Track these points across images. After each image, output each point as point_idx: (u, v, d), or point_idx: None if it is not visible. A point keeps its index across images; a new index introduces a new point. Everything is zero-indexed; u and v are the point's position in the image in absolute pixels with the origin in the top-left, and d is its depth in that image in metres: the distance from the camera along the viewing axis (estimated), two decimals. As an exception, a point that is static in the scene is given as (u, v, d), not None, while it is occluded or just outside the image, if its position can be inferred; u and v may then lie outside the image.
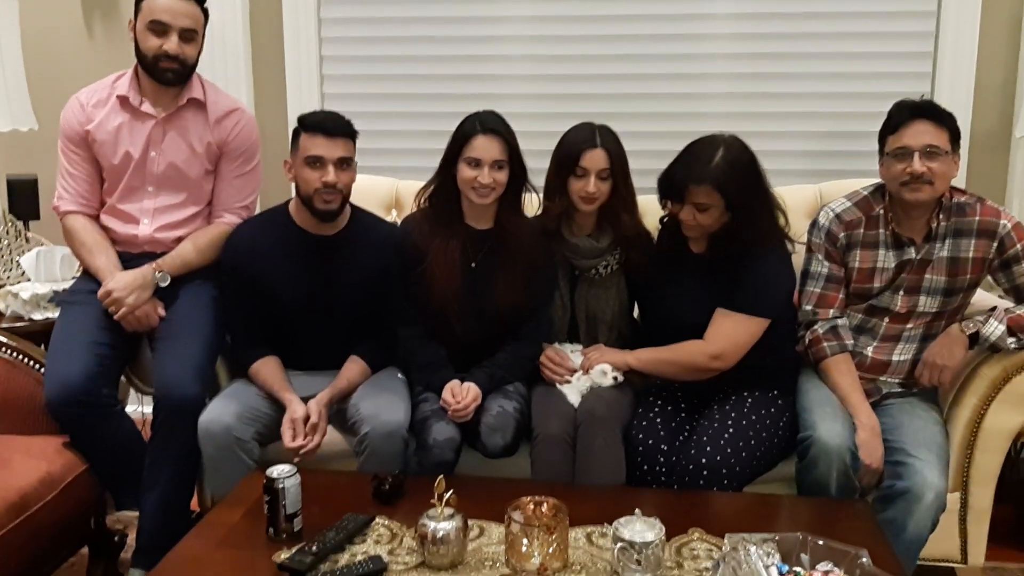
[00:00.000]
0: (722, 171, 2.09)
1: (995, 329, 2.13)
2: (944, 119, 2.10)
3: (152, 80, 2.37)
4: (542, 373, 2.31)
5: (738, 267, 2.16)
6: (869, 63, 3.01)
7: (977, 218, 2.15)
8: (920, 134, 2.08)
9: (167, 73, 2.35)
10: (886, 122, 2.16)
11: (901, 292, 2.20)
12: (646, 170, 2.28)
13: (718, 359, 2.17)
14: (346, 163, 2.25)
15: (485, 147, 2.20)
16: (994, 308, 2.19)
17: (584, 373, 2.27)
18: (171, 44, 2.32)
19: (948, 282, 2.18)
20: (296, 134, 2.27)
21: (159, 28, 2.31)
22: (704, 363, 2.19)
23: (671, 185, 2.17)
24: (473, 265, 2.30)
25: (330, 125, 2.23)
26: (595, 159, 2.23)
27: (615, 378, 2.24)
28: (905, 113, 2.12)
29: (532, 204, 2.38)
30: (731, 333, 2.17)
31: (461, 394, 2.18)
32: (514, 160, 2.24)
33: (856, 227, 2.21)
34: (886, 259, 2.19)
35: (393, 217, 2.74)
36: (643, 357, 2.28)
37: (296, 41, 3.19)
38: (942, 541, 2.14)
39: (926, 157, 2.07)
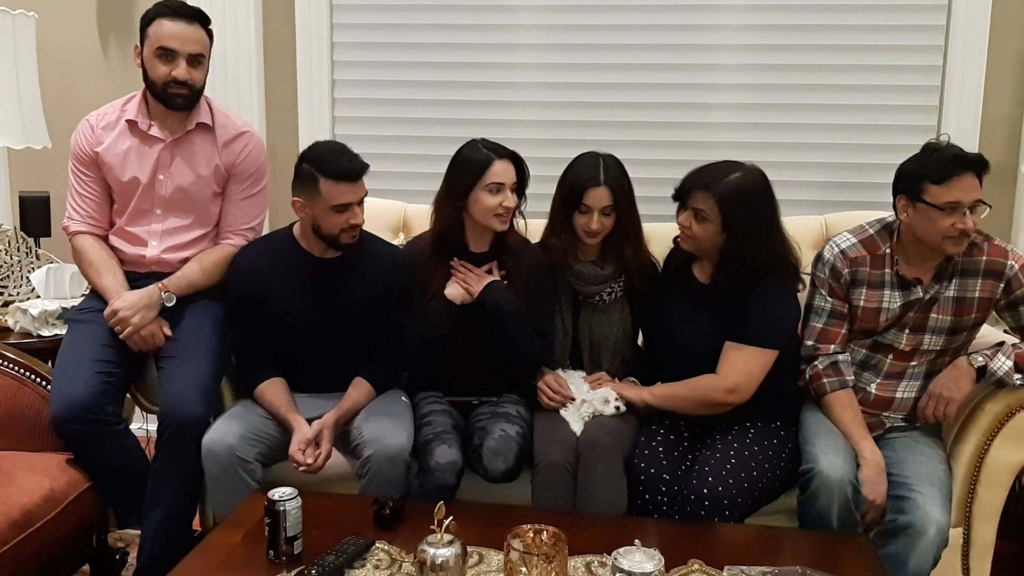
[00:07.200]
0: (729, 188, 2.11)
1: (1002, 364, 2.12)
2: (985, 169, 2.05)
3: (161, 105, 2.40)
4: (539, 399, 2.31)
5: (743, 298, 2.16)
6: (876, 95, 3.02)
7: (984, 258, 2.14)
8: (970, 188, 2.02)
9: (177, 99, 2.37)
10: (928, 168, 2.05)
11: (906, 330, 2.19)
12: (653, 198, 2.30)
13: (733, 393, 2.17)
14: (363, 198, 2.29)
15: (505, 171, 2.24)
16: (1002, 343, 2.18)
17: (590, 388, 2.28)
18: (180, 70, 2.34)
19: (954, 321, 2.17)
20: (310, 176, 2.22)
21: (167, 55, 2.34)
22: (720, 398, 2.18)
23: (681, 186, 2.21)
24: None
25: (353, 169, 2.21)
26: (598, 197, 2.25)
27: (617, 407, 2.24)
28: (956, 165, 2.02)
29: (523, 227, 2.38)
30: (744, 367, 2.17)
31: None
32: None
33: (861, 264, 2.20)
34: (891, 299, 2.18)
35: (400, 240, 2.76)
36: (658, 393, 2.27)
37: (308, 65, 3.22)
38: (944, 576, 2.12)
39: (972, 212, 2.04)
